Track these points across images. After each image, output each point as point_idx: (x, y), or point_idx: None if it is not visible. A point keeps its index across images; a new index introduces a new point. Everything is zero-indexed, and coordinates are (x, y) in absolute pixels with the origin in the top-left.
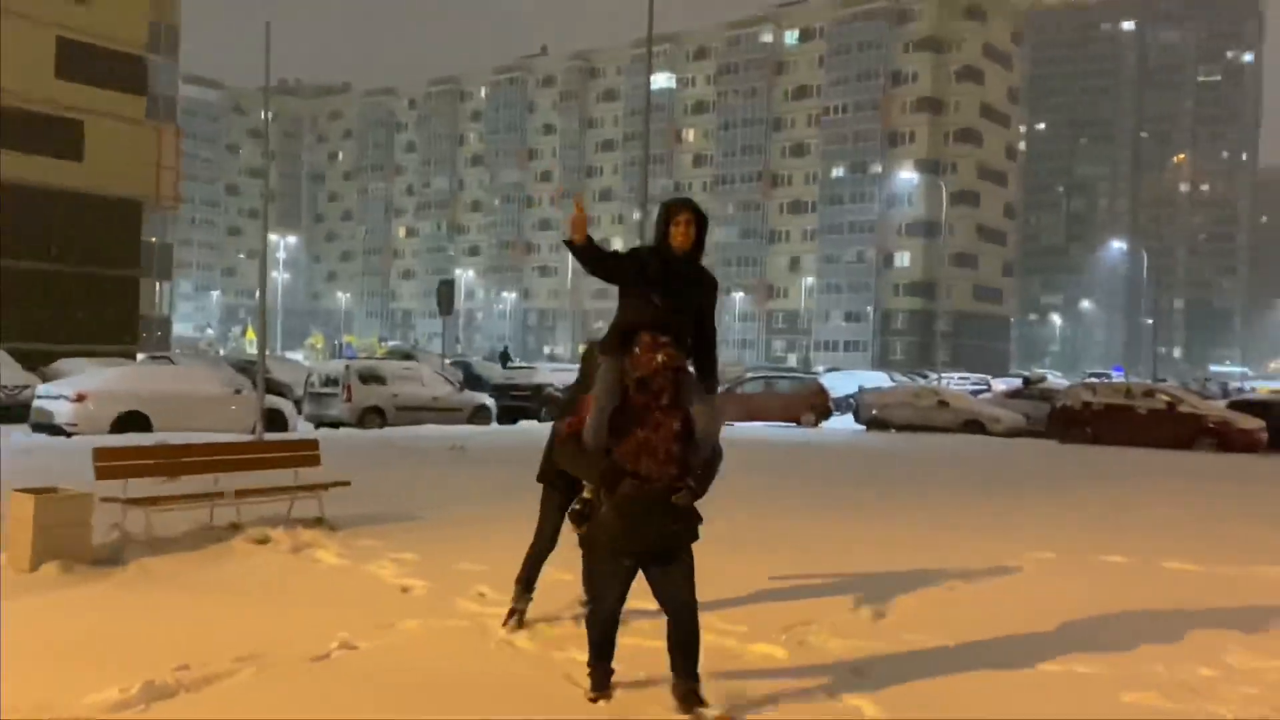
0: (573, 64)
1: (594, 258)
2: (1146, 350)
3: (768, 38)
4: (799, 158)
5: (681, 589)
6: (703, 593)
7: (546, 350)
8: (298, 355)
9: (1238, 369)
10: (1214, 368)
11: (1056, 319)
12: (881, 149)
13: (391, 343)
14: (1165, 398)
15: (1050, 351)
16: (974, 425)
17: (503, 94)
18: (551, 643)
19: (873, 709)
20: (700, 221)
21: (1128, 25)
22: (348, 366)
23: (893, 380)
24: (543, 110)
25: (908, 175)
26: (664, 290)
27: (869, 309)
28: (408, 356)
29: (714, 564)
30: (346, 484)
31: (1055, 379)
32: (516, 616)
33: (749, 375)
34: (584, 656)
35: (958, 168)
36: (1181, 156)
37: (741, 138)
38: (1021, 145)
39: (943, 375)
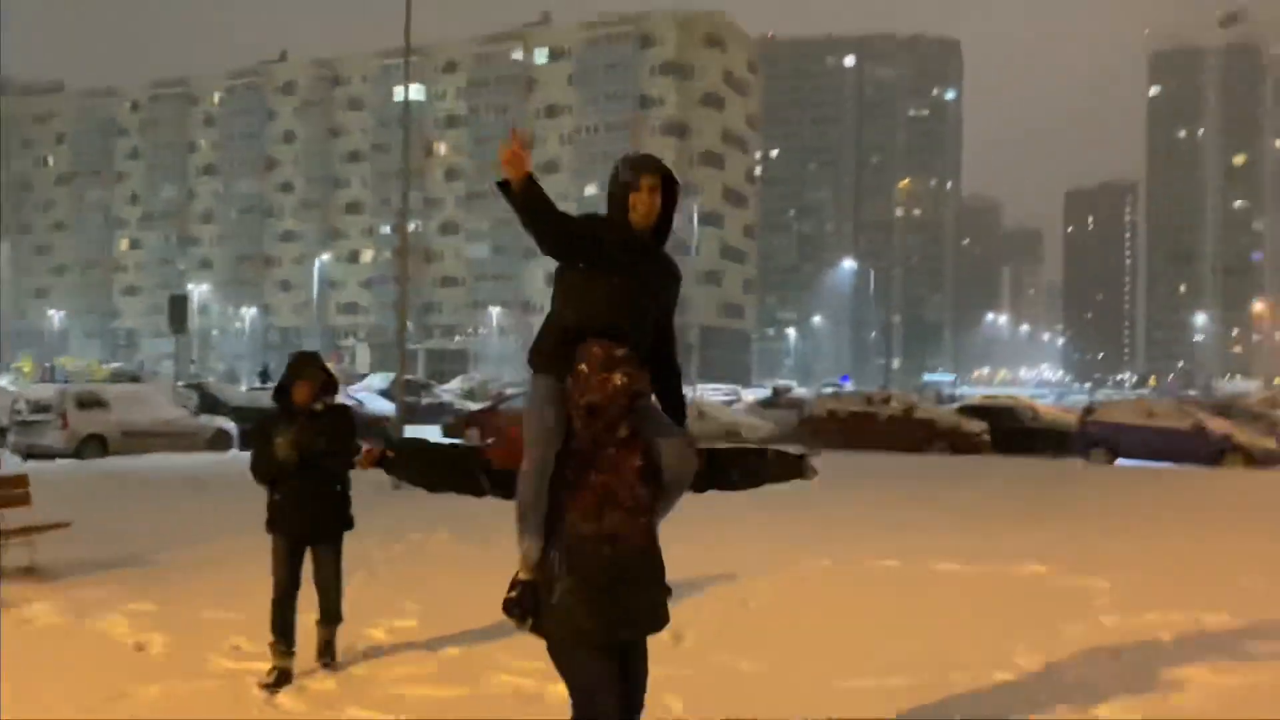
0: (315, 71)
1: (541, 207)
2: (870, 361)
3: (518, 55)
4: (552, 174)
5: (642, 685)
6: (479, 621)
7: None
8: (1, 380)
9: (948, 377)
10: (927, 376)
11: (791, 333)
12: None
13: (114, 365)
14: (902, 404)
15: (786, 364)
16: (733, 435)
17: (239, 99)
18: (323, 701)
19: None
20: (670, 189)
21: (849, 61)
22: (63, 390)
23: None
24: (283, 118)
25: None
26: (624, 280)
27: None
28: (134, 380)
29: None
30: (65, 525)
31: (799, 389)
32: (276, 674)
33: (511, 391)
34: (364, 715)
35: (703, 190)
36: (905, 183)
37: (494, 153)
38: (758, 170)
39: (698, 386)
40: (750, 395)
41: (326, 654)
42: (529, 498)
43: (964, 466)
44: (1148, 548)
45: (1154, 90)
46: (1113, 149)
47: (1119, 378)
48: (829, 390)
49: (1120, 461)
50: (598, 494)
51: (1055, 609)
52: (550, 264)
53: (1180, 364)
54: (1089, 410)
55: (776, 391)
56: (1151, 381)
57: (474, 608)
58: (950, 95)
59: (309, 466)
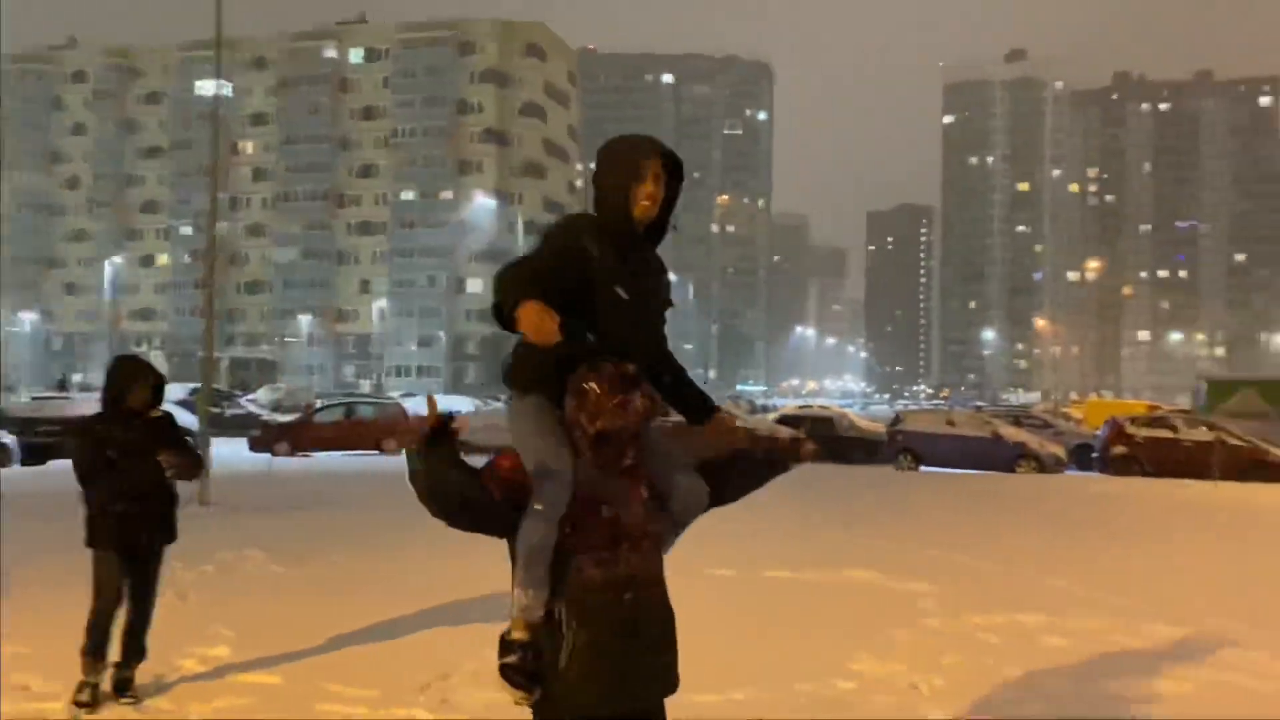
0: (108, 60)
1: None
2: (690, 372)
3: (331, 53)
4: (368, 178)
5: None
6: (298, 645)
7: (77, 379)
8: None
9: (760, 387)
10: (740, 386)
11: None
12: (452, 176)
13: None
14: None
15: None
16: None
17: (21, 87)
18: None
19: None
20: (676, 176)
21: (667, 78)
22: None
23: (475, 405)
24: (73, 108)
25: (478, 203)
26: (629, 291)
27: (441, 334)
28: None
29: (310, 612)
30: None
31: None
32: (89, 691)
33: (321, 403)
34: None
35: (524, 199)
36: (725, 198)
37: (306, 154)
38: (579, 182)
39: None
40: None
41: (126, 690)
42: (538, 541)
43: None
44: (963, 550)
45: (948, 119)
46: (911, 173)
47: (916, 388)
48: None
49: (924, 468)
50: (610, 532)
51: (885, 614)
52: (362, 271)
53: (971, 376)
54: (897, 420)
55: None
56: (944, 393)
57: (293, 632)
58: (762, 116)
59: (142, 474)
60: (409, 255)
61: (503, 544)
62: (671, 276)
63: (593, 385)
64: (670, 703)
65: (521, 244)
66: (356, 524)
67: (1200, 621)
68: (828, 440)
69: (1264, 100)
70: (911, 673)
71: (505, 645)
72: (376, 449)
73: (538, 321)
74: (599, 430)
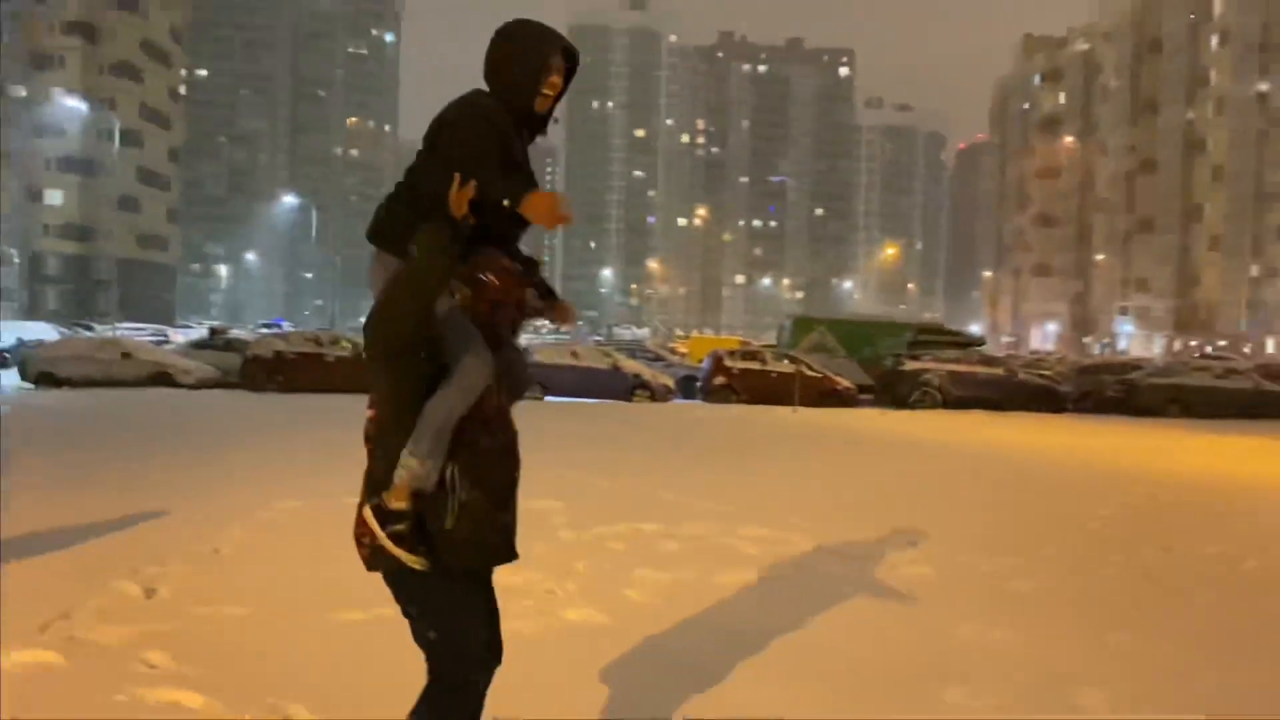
0: None
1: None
2: (303, 302)
3: None
4: None
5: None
6: None
7: None
8: None
9: None
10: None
11: (222, 270)
12: (25, 71)
13: None
14: (350, 345)
15: (215, 302)
16: (163, 377)
17: None
18: None
19: (195, 699)
20: (573, 71)
21: None
22: None
23: (60, 332)
24: None
25: (60, 104)
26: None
27: (13, 251)
28: None
29: None
30: None
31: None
32: None
33: None
34: None
35: (118, 104)
36: (354, 120)
37: None
38: (183, 89)
39: (117, 327)
40: (180, 336)
41: None
42: (456, 415)
43: None
44: (589, 470)
45: None
46: None
47: (540, 324)
48: (266, 332)
49: (550, 398)
50: (495, 403)
51: (522, 531)
52: None
53: (591, 313)
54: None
55: (214, 332)
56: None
57: None
58: (390, 38)
59: None
60: None
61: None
62: (292, 199)
63: (486, 274)
64: (318, 621)
65: (117, 154)
66: None
67: (783, 520)
68: None
69: (843, 71)
70: (548, 580)
71: (391, 514)
72: None
73: (554, 208)
74: (493, 300)
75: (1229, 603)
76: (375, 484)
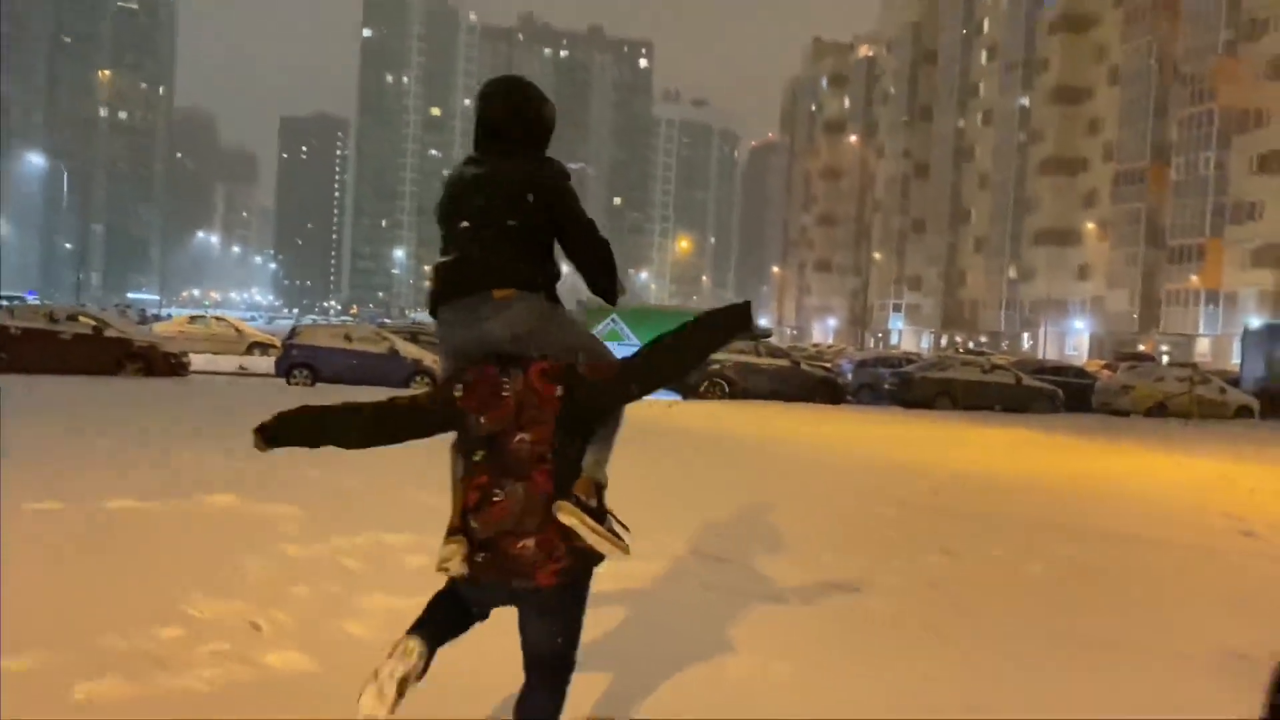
0: None
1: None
2: (63, 274)
3: None
4: None
5: None
6: None
7: None
8: None
9: (155, 296)
10: (131, 294)
11: None
12: None
13: None
14: (91, 322)
15: None
16: None
17: None
18: None
19: None
20: None
21: None
22: None
23: None
24: None
25: None
26: None
27: None
28: None
29: None
30: None
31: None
32: None
33: None
34: None
35: None
36: (106, 74)
37: None
38: None
39: None
40: None
41: None
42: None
43: (159, 390)
44: (335, 468)
45: (368, 32)
46: (329, 83)
47: (326, 304)
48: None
49: (320, 384)
50: None
51: (239, 544)
52: None
53: (380, 294)
54: (293, 333)
55: None
56: (353, 310)
57: None
58: None
59: None
60: None
61: None
62: (39, 159)
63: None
64: None
65: None
66: None
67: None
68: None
69: (643, 62)
70: (254, 609)
71: (597, 514)
72: None
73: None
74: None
75: (1015, 614)
76: (548, 498)
